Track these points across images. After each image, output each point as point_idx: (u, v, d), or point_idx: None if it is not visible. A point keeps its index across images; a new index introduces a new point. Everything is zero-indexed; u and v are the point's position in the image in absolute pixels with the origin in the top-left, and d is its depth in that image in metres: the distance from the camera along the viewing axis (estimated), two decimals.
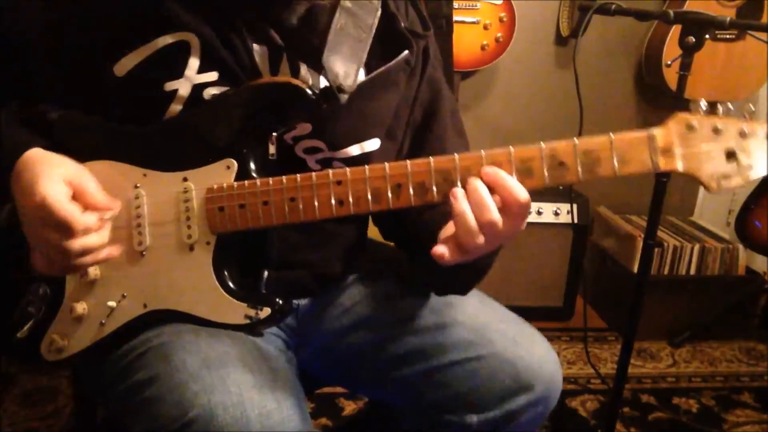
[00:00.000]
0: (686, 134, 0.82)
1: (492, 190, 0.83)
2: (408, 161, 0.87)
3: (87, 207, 0.88)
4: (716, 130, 0.81)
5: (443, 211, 0.90)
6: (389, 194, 0.88)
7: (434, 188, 0.86)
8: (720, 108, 0.82)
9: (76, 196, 0.87)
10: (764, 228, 2.21)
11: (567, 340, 2.43)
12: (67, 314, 0.96)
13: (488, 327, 1.06)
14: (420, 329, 1.07)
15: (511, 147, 0.84)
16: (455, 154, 0.86)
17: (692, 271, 2.43)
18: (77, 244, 0.86)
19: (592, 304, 2.58)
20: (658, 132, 0.82)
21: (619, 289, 2.47)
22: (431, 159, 0.86)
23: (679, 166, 0.82)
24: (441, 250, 0.85)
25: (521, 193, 0.82)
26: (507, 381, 1.02)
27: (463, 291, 1.07)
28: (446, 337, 1.05)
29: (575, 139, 0.83)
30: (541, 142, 0.84)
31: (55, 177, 0.86)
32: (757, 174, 0.81)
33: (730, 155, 0.81)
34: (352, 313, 1.12)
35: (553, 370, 1.05)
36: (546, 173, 0.84)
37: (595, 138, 0.83)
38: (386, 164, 0.88)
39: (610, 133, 0.83)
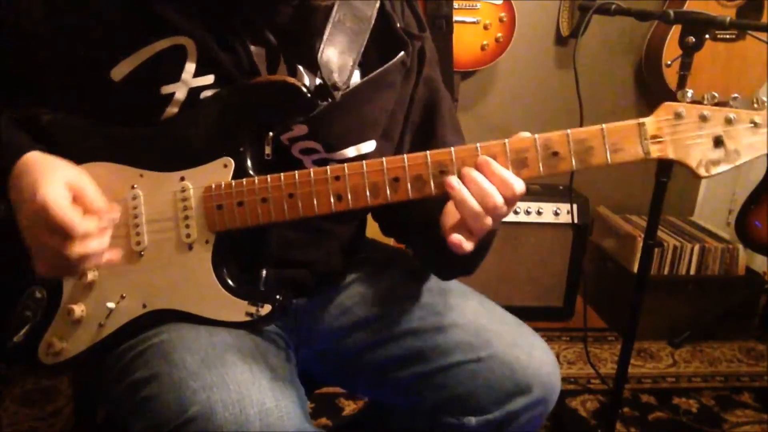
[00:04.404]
0: (674, 122, 0.85)
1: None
2: (405, 155, 0.88)
3: (87, 211, 0.87)
4: (703, 118, 0.84)
5: (440, 198, 0.91)
6: (387, 188, 0.89)
7: (431, 181, 0.88)
8: (706, 97, 0.85)
9: (76, 200, 0.87)
10: (764, 228, 2.21)
11: (567, 340, 2.43)
12: (65, 317, 0.96)
13: (487, 329, 1.06)
14: (419, 331, 1.07)
15: (505, 139, 0.87)
16: (451, 147, 0.87)
17: (692, 271, 2.43)
18: (77, 248, 0.85)
19: (592, 304, 2.58)
20: (647, 120, 0.85)
21: (619, 289, 2.47)
22: (428, 152, 0.88)
23: (669, 152, 0.85)
24: (457, 238, 0.86)
25: (516, 183, 0.85)
26: (506, 383, 1.02)
27: (469, 271, 1.07)
28: (445, 339, 1.05)
29: (568, 130, 0.86)
30: (535, 134, 0.86)
31: (56, 180, 0.86)
32: (743, 159, 0.84)
33: (718, 142, 0.84)
34: (352, 314, 1.12)
35: (552, 372, 1.05)
36: (540, 163, 0.86)
37: (587, 128, 0.86)
38: (383, 158, 0.88)
39: (602, 124, 0.85)
